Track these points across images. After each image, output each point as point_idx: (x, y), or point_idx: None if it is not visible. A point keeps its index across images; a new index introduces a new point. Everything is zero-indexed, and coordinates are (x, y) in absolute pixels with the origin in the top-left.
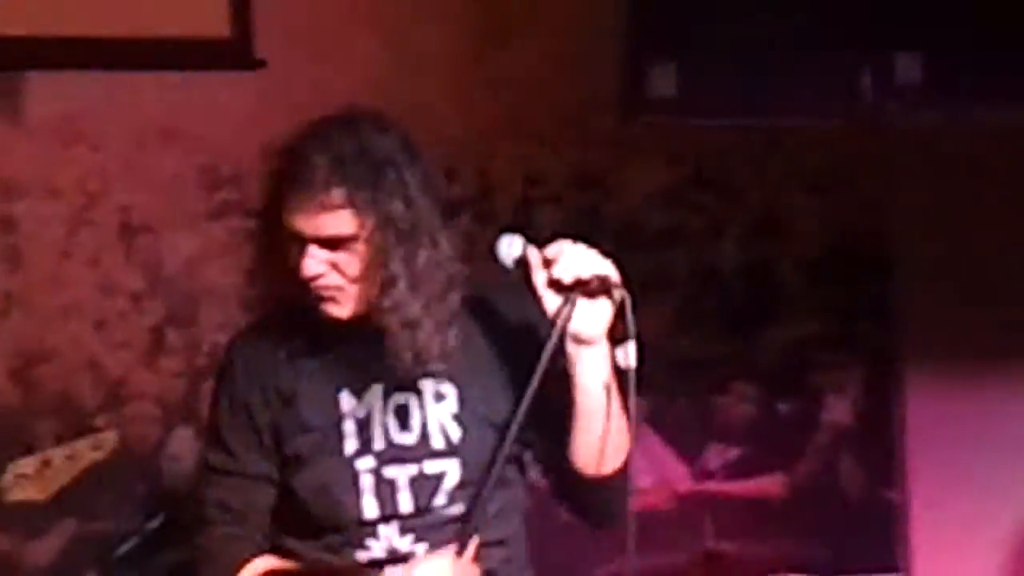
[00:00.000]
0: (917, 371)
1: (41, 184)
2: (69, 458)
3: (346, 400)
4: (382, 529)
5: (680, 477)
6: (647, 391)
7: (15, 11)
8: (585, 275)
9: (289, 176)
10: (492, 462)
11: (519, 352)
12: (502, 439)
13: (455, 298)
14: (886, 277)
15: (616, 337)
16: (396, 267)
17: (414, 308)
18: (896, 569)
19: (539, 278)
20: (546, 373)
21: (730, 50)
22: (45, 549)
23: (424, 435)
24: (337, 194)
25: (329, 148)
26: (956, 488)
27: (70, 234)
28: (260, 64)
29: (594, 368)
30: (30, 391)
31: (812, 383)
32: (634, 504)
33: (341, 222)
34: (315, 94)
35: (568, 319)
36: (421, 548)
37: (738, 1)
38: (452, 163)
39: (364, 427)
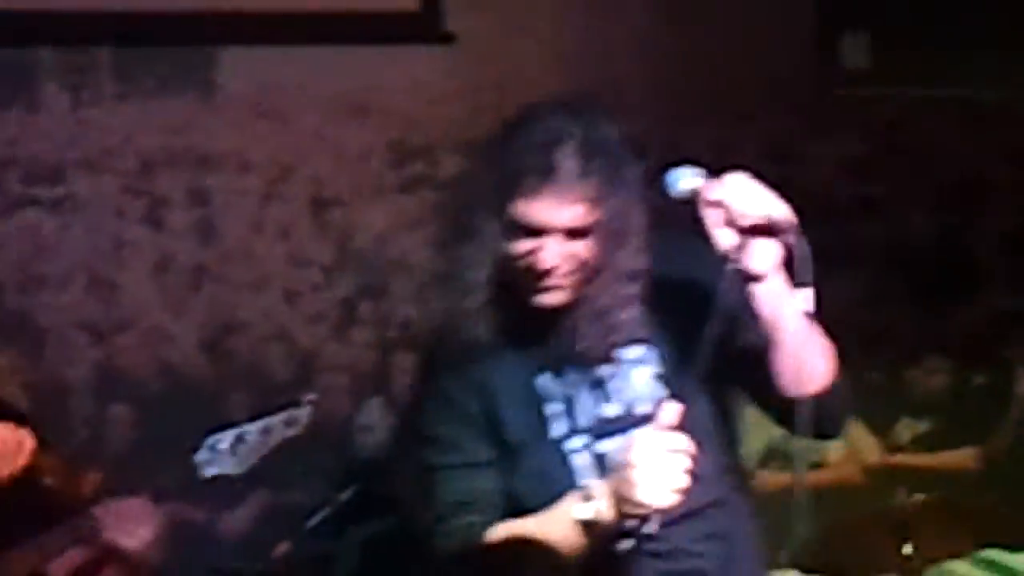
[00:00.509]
0: None
1: (234, 158)
2: (263, 433)
3: (546, 383)
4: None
5: (870, 450)
6: (838, 364)
7: None
8: (756, 218)
9: (531, 166)
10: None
11: (702, 295)
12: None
13: (645, 275)
14: None
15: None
16: (614, 257)
17: (617, 293)
18: None
19: (711, 216)
20: (730, 309)
21: (924, 20)
22: (239, 519)
23: (629, 404)
24: (589, 186)
25: (574, 138)
26: None
27: (262, 207)
28: (450, 38)
29: (771, 301)
30: (222, 363)
31: (1006, 356)
32: (823, 476)
33: (586, 214)
34: (505, 68)
35: (739, 260)
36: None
37: None
38: (643, 136)
39: (568, 407)
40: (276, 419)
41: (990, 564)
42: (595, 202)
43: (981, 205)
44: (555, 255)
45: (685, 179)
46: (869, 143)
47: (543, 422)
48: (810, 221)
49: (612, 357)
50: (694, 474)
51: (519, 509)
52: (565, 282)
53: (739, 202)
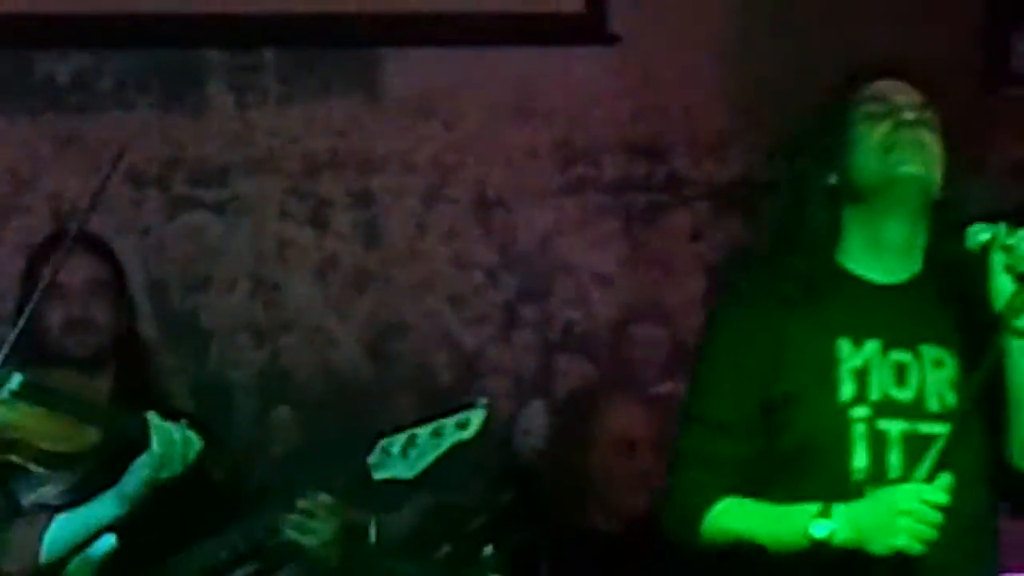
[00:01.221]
0: None
1: (397, 159)
2: (435, 435)
3: (844, 348)
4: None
5: None
6: None
7: None
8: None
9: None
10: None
11: (978, 330)
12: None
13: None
14: None
15: None
16: None
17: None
18: None
19: (996, 259)
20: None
21: None
22: (399, 521)
23: (921, 395)
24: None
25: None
26: None
27: (426, 209)
28: (615, 39)
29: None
30: (387, 366)
31: None
32: None
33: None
34: (670, 69)
35: (1015, 310)
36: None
37: None
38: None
39: (861, 377)
40: (448, 421)
41: None
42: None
43: None
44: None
45: (980, 232)
46: None
47: (834, 381)
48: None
49: (915, 344)
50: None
51: (784, 465)
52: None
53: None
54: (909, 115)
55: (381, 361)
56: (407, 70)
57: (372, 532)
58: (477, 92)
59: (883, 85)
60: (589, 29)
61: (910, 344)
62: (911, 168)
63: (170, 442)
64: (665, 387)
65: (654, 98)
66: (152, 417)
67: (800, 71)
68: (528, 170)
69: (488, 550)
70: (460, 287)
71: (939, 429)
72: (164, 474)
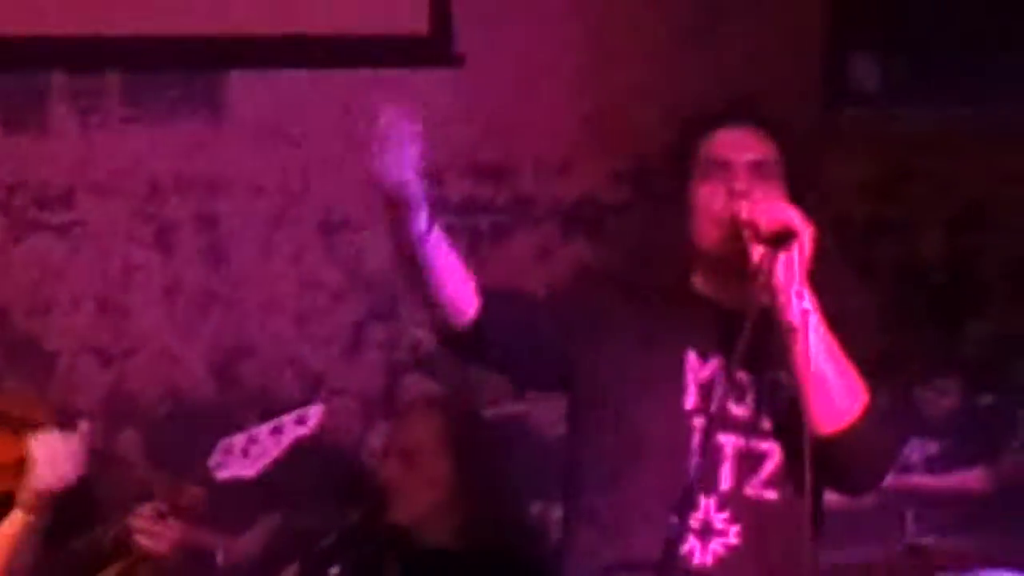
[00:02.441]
0: None
1: (243, 182)
2: (275, 432)
3: (692, 359)
4: (701, 500)
5: None
6: None
7: (218, 11)
8: (771, 224)
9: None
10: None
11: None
12: None
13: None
14: None
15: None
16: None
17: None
18: None
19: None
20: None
21: (932, 41)
22: (247, 543)
23: (757, 412)
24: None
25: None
26: None
27: (272, 231)
28: (459, 60)
29: (791, 317)
30: (231, 387)
31: (1015, 377)
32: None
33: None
34: (515, 90)
35: (768, 272)
36: (733, 529)
37: None
38: (652, 156)
39: (704, 389)
40: (287, 418)
41: None
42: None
43: (992, 226)
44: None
45: None
46: (878, 164)
47: (681, 390)
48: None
49: (759, 367)
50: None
51: (619, 464)
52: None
53: (758, 214)
54: (740, 184)
55: (228, 382)
56: (253, 92)
57: (219, 555)
58: (322, 114)
59: (725, 140)
60: (434, 51)
61: (752, 367)
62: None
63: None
64: (510, 406)
65: (499, 120)
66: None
67: (645, 93)
68: (374, 192)
69: (335, 570)
70: (306, 308)
71: (772, 447)
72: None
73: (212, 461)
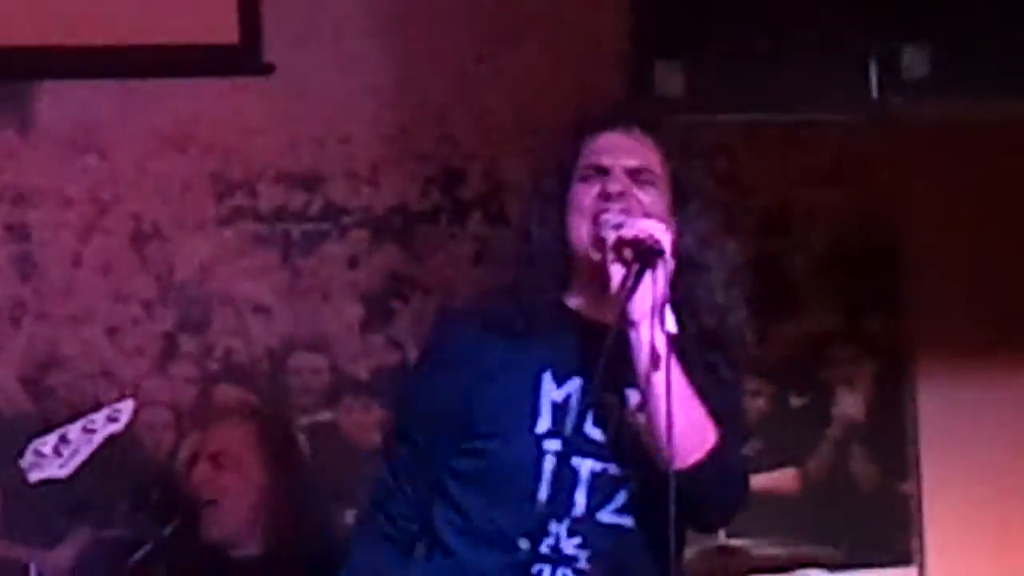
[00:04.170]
0: (928, 364)
1: (53, 193)
2: (86, 431)
3: (548, 381)
4: (552, 526)
5: None
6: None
7: (25, 21)
8: (634, 239)
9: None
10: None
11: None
12: None
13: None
14: (896, 271)
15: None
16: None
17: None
18: (909, 562)
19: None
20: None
21: (735, 47)
22: (60, 557)
23: (617, 436)
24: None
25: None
26: (968, 480)
27: (82, 242)
28: (269, 69)
29: (641, 350)
30: (43, 398)
31: (824, 378)
32: None
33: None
34: (325, 99)
35: (628, 291)
36: (584, 555)
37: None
38: (461, 164)
39: (559, 411)
40: (98, 415)
41: None
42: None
43: (797, 229)
44: (619, 185)
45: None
46: None
47: (534, 414)
48: None
49: (621, 388)
50: None
51: (476, 490)
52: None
53: (626, 226)
54: (615, 186)
55: (39, 394)
56: (62, 103)
57: (32, 569)
58: (133, 124)
59: (606, 143)
60: (244, 60)
61: (615, 388)
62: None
63: None
64: (324, 415)
65: (310, 128)
66: None
67: (457, 99)
68: (184, 201)
69: None
70: (117, 319)
71: (630, 472)
72: None
73: (24, 463)
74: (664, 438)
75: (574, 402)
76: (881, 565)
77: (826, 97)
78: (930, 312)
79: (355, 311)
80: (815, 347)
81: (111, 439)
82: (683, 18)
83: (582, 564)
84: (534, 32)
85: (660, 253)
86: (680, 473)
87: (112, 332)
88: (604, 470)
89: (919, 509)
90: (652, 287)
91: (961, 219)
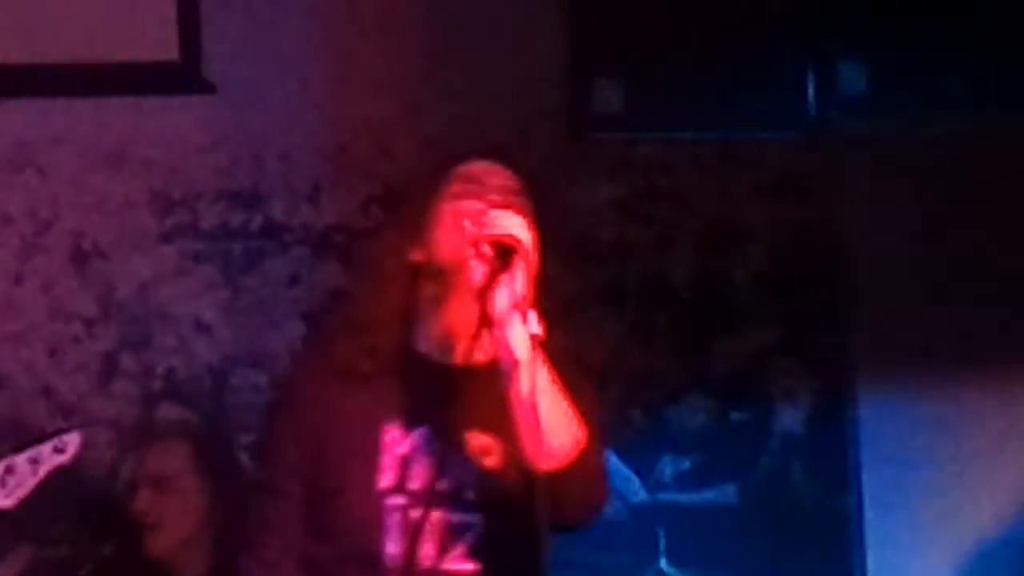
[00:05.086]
0: (868, 379)
1: None
2: (32, 462)
3: (391, 434)
4: None
5: (633, 489)
6: (601, 403)
7: None
8: (494, 235)
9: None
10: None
11: None
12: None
13: None
14: (836, 286)
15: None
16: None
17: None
18: None
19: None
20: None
21: (674, 65)
22: (3, 572)
23: (459, 484)
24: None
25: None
26: (909, 495)
27: (22, 260)
28: (209, 87)
29: (511, 347)
30: None
31: (764, 392)
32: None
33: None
34: (265, 117)
35: (489, 290)
36: None
37: (680, 17)
38: (402, 179)
39: (403, 465)
40: (44, 447)
41: None
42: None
43: (737, 245)
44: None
45: None
46: (624, 187)
47: (376, 470)
48: (569, 262)
49: (461, 432)
50: None
51: (327, 547)
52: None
53: (488, 222)
54: (496, 197)
55: None
56: (1, 121)
57: None
58: (72, 142)
59: (478, 167)
60: (184, 78)
61: (458, 431)
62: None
63: None
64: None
65: (250, 146)
66: None
67: (398, 116)
68: (125, 219)
69: None
70: (58, 338)
71: (474, 518)
72: None
73: None
74: (533, 439)
75: (420, 453)
76: None
77: (765, 114)
78: (870, 327)
79: (297, 328)
80: (756, 362)
81: (56, 470)
82: (622, 36)
83: None
84: (475, 50)
85: (517, 251)
86: (550, 474)
87: (53, 351)
88: (449, 519)
89: (860, 524)
90: (511, 285)
91: (901, 234)
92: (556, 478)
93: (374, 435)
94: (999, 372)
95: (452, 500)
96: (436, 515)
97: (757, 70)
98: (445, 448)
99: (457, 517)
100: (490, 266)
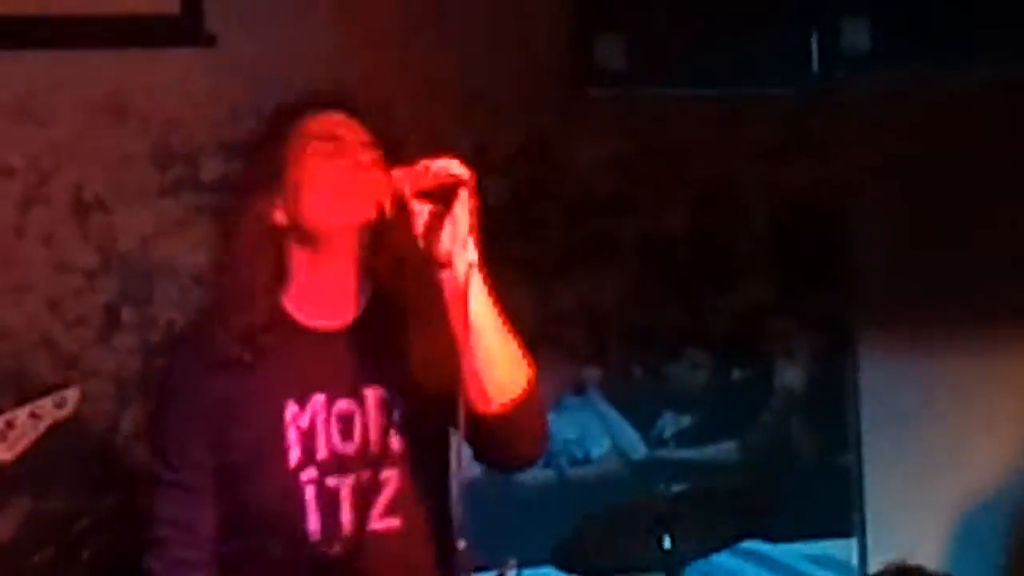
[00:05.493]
0: (868, 336)
1: None
2: (33, 416)
3: (290, 409)
4: (329, 550)
5: (634, 445)
6: (600, 360)
7: None
8: (437, 179)
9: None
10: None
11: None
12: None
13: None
14: (836, 243)
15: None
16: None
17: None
18: (849, 533)
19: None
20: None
21: (678, 20)
22: (1, 525)
23: (365, 443)
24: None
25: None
26: (908, 452)
27: (23, 213)
28: (211, 40)
29: (456, 291)
30: None
31: (764, 350)
32: (587, 472)
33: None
34: (267, 70)
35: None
36: (360, 569)
37: None
38: (402, 133)
39: (307, 437)
40: (45, 401)
41: (751, 555)
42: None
43: (736, 201)
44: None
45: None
46: (625, 142)
47: (283, 448)
48: (569, 219)
49: (359, 389)
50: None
51: (245, 533)
52: None
53: (421, 171)
54: (364, 157)
55: None
56: (1, 73)
57: None
58: (73, 95)
59: (329, 121)
60: (185, 30)
61: (353, 391)
62: (366, 215)
63: None
64: None
65: (251, 99)
66: None
67: (399, 71)
68: (126, 172)
69: (87, 554)
70: (59, 290)
71: (387, 474)
72: None
73: None
74: (482, 377)
75: (320, 421)
76: (821, 536)
77: (767, 71)
78: (871, 285)
79: None
80: (756, 320)
81: (57, 424)
82: None
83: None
84: (477, 5)
85: (462, 186)
86: (500, 412)
87: (54, 303)
88: (362, 481)
89: (859, 481)
90: (456, 224)
91: (901, 191)
92: (510, 415)
93: (272, 416)
94: (999, 327)
95: (362, 461)
96: (349, 480)
97: (760, 26)
98: (345, 411)
99: (370, 476)
100: (432, 210)
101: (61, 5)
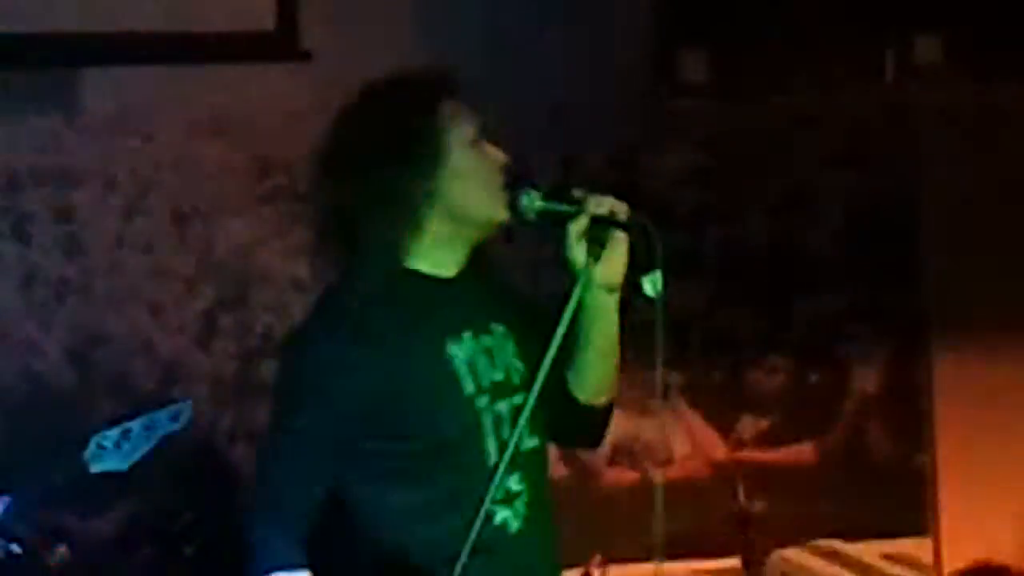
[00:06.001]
0: (943, 338)
1: (97, 175)
2: (147, 428)
3: (451, 346)
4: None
5: (715, 446)
6: (683, 366)
7: (70, 9)
8: (610, 210)
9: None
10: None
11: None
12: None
13: None
14: (910, 248)
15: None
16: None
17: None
18: (924, 532)
19: (571, 227)
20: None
21: (757, 34)
22: (107, 524)
23: (507, 371)
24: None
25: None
26: (983, 452)
27: (125, 222)
28: (305, 55)
29: (612, 313)
30: (88, 374)
31: (841, 353)
32: (671, 472)
33: None
34: (359, 82)
35: (596, 263)
36: (524, 487)
37: None
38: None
39: (472, 368)
40: (160, 414)
41: (829, 553)
42: None
43: (812, 208)
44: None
45: (533, 200)
46: (706, 153)
47: (456, 379)
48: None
49: (489, 325)
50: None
51: (410, 462)
52: None
53: (594, 203)
54: (502, 157)
55: (83, 368)
56: (105, 88)
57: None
58: (173, 109)
59: (462, 108)
60: (281, 46)
61: (485, 328)
62: (507, 213)
63: None
64: None
65: None
66: None
67: (487, 84)
68: (224, 182)
69: (189, 550)
70: (159, 297)
71: (520, 400)
72: None
73: (87, 454)
74: (607, 378)
75: (480, 353)
76: (896, 535)
77: (842, 82)
78: (944, 287)
79: None
80: (833, 323)
81: (168, 437)
82: (706, 6)
83: (524, 496)
84: (560, 20)
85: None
86: (604, 406)
87: (154, 309)
88: (515, 404)
89: (934, 482)
90: (618, 255)
91: (974, 197)
92: (603, 409)
93: (440, 353)
94: None
95: (510, 387)
96: (506, 405)
97: (836, 40)
98: (487, 345)
99: (516, 400)
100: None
101: (160, 22)
